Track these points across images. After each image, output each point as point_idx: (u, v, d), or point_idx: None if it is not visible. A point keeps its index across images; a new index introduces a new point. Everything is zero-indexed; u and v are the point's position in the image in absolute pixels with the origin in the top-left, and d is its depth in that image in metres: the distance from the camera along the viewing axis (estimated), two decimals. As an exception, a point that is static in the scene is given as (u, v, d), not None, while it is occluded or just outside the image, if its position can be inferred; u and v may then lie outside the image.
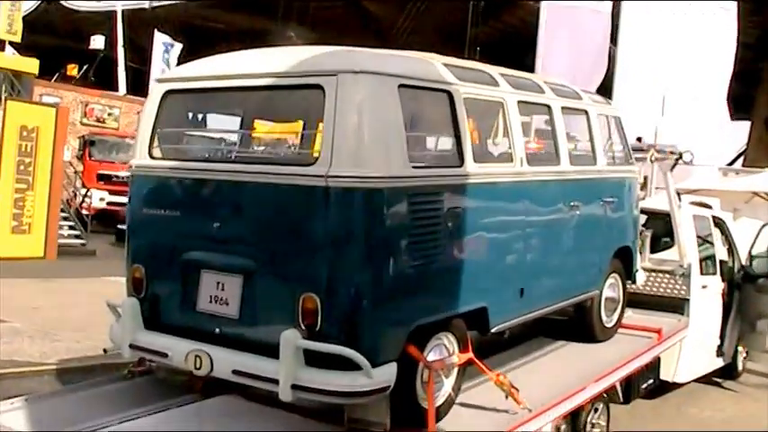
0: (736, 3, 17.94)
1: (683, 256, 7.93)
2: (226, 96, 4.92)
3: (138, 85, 32.48)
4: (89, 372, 7.45)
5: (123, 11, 34.17)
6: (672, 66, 17.81)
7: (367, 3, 34.91)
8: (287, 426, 4.54)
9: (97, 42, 34.05)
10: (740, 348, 9.61)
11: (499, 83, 5.22)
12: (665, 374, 7.91)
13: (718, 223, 9.21)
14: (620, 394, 6.68)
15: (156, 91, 4.93)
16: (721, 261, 8.93)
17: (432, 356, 4.53)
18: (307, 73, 4.27)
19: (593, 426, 6.03)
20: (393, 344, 4.21)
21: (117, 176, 21.93)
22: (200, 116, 5.28)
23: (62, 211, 17.44)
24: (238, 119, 5.33)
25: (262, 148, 5.45)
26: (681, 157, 7.87)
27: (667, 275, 7.97)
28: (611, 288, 6.72)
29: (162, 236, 4.78)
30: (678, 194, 8.30)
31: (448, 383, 4.72)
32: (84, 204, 20.30)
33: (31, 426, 4.64)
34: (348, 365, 3.99)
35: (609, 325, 6.76)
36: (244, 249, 4.41)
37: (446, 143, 4.95)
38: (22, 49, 19.62)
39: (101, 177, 22.13)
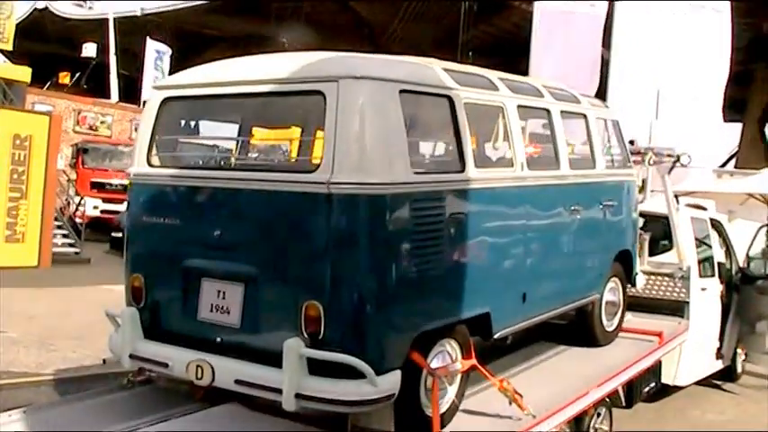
0: (729, 5, 17.99)
1: (682, 258, 7.93)
2: (225, 103, 4.89)
3: (131, 93, 32.44)
4: (87, 382, 7.38)
5: (115, 18, 34.11)
6: (665, 68, 17.85)
7: (359, 7, 34.91)
8: None
9: (89, 50, 34.01)
10: (739, 350, 9.61)
11: (499, 87, 5.20)
12: (666, 377, 7.90)
13: (716, 225, 9.22)
14: (623, 398, 6.66)
15: (154, 98, 4.90)
16: (719, 263, 8.93)
17: (435, 363, 4.49)
18: (307, 79, 4.24)
19: (596, 430, 6.00)
20: (397, 351, 4.18)
21: (110, 184, 21.89)
22: (199, 123, 5.24)
23: (56, 219, 17.36)
24: (237, 126, 5.29)
25: (262, 155, 5.41)
26: (678, 160, 7.86)
27: (666, 278, 7.96)
28: (612, 292, 6.70)
29: (161, 244, 4.73)
30: (676, 197, 8.29)
31: (451, 390, 4.68)
32: (77, 212, 20.22)
33: None
34: (352, 373, 3.95)
35: (610, 329, 6.74)
36: (245, 257, 4.37)
37: (447, 148, 4.93)
38: (13, 56, 19.55)
39: (94, 185, 22.05)
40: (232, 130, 5.36)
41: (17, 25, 19.41)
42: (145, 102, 25.72)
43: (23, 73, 18.06)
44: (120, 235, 18.55)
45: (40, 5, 37.70)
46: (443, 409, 4.56)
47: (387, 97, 4.14)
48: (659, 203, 8.15)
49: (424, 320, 4.33)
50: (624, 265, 6.85)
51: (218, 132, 5.55)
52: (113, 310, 4.95)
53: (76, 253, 17.85)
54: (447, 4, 31.11)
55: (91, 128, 27.33)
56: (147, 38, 30.73)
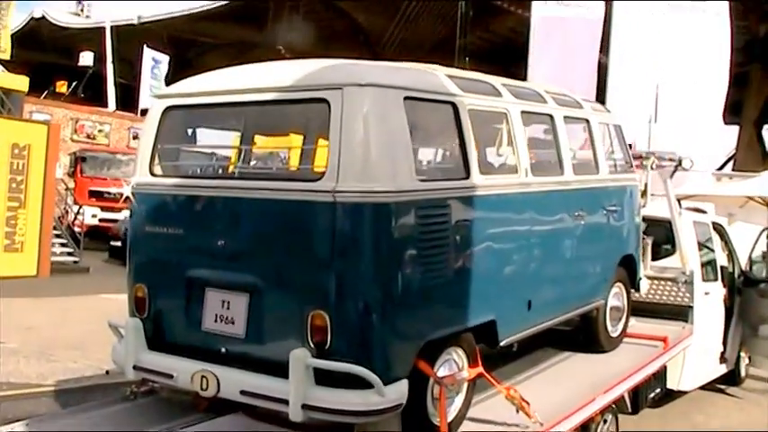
0: (728, 7, 18.03)
1: (685, 263, 7.89)
2: (227, 111, 4.86)
3: (128, 101, 32.47)
4: (88, 392, 7.35)
5: (112, 26, 34.12)
6: (663, 72, 17.88)
7: (356, 14, 34.96)
8: None
9: (86, 58, 34.02)
10: (743, 354, 9.58)
11: (502, 93, 5.18)
12: (670, 382, 7.86)
13: (718, 229, 9.19)
14: (629, 404, 6.62)
15: (156, 107, 4.86)
16: (722, 267, 8.90)
17: (442, 372, 4.46)
18: (311, 87, 4.21)
19: (602, 437, 5.96)
20: (404, 360, 4.15)
21: (109, 193, 21.82)
22: (201, 132, 5.21)
23: (54, 228, 17.31)
24: (240, 134, 5.26)
25: (266, 163, 5.38)
26: (680, 164, 7.84)
27: (670, 283, 7.93)
28: (616, 297, 6.68)
29: (165, 254, 4.70)
30: (678, 201, 8.27)
31: (458, 399, 4.65)
32: (76, 221, 20.16)
33: None
34: (359, 383, 3.92)
35: (614, 334, 6.72)
36: (249, 267, 4.34)
37: (452, 155, 4.90)
38: (11, 65, 19.52)
39: (93, 194, 22.00)
40: (235, 138, 5.32)
41: (14, 34, 19.41)
42: (142, 110, 25.80)
43: (21, 82, 18.02)
44: (118, 244, 18.54)
45: (37, 14, 37.74)
46: (450, 417, 4.53)
47: (391, 104, 4.11)
48: (661, 207, 8.13)
49: (431, 329, 4.30)
50: (628, 270, 6.83)
51: (221, 141, 5.51)
52: (116, 321, 4.91)
53: (75, 262, 17.80)
54: (443, 10, 31.18)
55: (89, 136, 27.29)
56: (144, 46, 30.70)
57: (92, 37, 35.78)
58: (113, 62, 32.96)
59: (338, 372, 3.94)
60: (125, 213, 19.47)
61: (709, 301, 8.35)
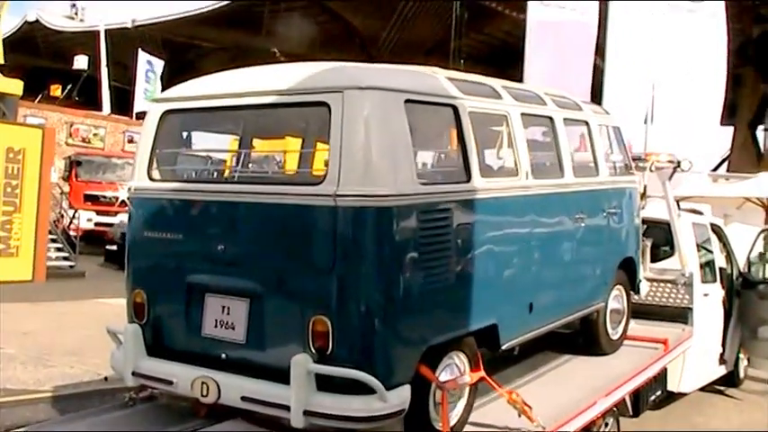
0: (724, 9, 18.07)
1: (685, 264, 7.88)
2: (226, 115, 4.83)
3: (123, 105, 32.41)
4: (86, 398, 7.30)
5: (106, 30, 34.05)
6: (659, 73, 17.91)
7: (351, 17, 34.96)
8: None
9: (80, 62, 33.96)
10: (742, 355, 9.57)
11: (502, 96, 5.15)
12: (670, 384, 7.84)
13: (716, 230, 9.18)
14: (630, 407, 6.59)
15: (154, 111, 4.82)
16: (720, 268, 8.89)
17: (444, 376, 4.42)
18: (311, 90, 4.17)
19: (604, 441, 5.94)
20: (406, 365, 4.11)
21: (104, 197, 21.78)
22: (200, 136, 5.17)
23: (50, 232, 17.23)
24: (239, 138, 5.22)
25: (265, 167, 5.34)
26: (679, 166, 7.83)
27: (669, 285, 7.91)
28: (616, 300, 6.65)
29: (164, 259, 4.65)
30: (677, 203, 8.26)
31: (460, 403, 4.62)
32: (71, 226, 20.09)
33: None
34: (361, 389, 3.89)
35: (615, 337, 6.69)
36: (249, 272, 4.30)
37: (453, 158, 4.87)
38: (4, 69, 19.44)
39: (88, 198, 21.93)
40: (234, 142, 5.29)
41: (8, 38, 19.33)
42: (137, 113, 25.68)
43: (15, 86, 17.93)
44: (114, 248, 18.48)
45: (31, 18, 37.67)
46: (452, 422, 4.49)
47: (392, 107, 4.08)
48: (659, 209, 8.11)
49: (434, 333, 4.27)
50: (628, 273, 6.80)
51: (220, 145, 5.48)
52: (115, 327, 4.87)
53: (71, 266, 17.73)
54: (438, 13, 31.21)
55: (83, 140, 27.24)
56: (139, 49, 30.64)
57: (86, 40, 35.73)
58: (108, 65, 32.87)
59: (340, 377, 3.91)
60: (121, 217, 19.46)
61: (709, 302, 8.35)
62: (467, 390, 4.66)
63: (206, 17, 35.04)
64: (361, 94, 3.98)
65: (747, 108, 30.34)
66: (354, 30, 36.02)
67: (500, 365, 5.65)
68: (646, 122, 18.01)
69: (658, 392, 7.50)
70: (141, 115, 25.57)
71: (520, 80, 17.88)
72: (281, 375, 4.00)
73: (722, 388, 9.40)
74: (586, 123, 6.19)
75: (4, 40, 18.59)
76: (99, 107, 32.24)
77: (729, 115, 25.61)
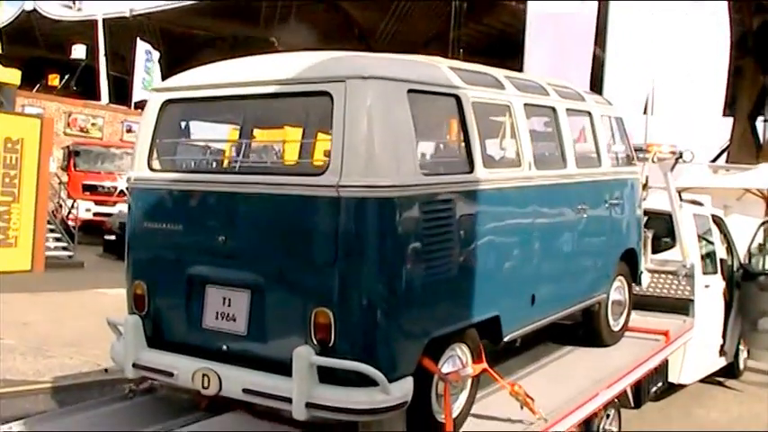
0: (726, 1, 18.01)
1: (686, 256, 7.86)
2: (227, 105, 4.78)
3: (121, 94, 32.30)
4: (85, 389, 7.29)
5: (104, 19, 33.90)
6: (660, 64, 17.86)
7: (349, 7, 34.82)
8: None
9: (78, 51, 33.84)
10: (741, 347, 9.56)
11: (505, 86, 5.11)
12: (671, 376, 7.83)
13: (717, 221, 9.16)
14: (631, 399, 6.58)
15: (154, 101, 4.77)
16: (721, 259, 8.88)
17: (446, 368, 4.40)
18: (313, 79, 4.13)
19: (605, 432, 5.93)
20: (409, 357, 4.09)
21: (103, 186, 21.72)
22: (201, 126, 5.13)
23: (48, 223, 17.18)
24: (240, 128, 5.18)
25: (267, 157, 5.31)
26: (681, 157, 7.80)
27: (670, 276, 7.90)
28: (618, 291, 6.64)
29: (164, 251, 4.61)
30: (679, 194, 8.23)
31: (463, 395, 4.60)
32: (70, 216, 20.04)
33: None
34: (363, 381, 3.86)
35: (616, 329, 6.68)
36: (250, 263, 4.26)
37: (455, 149, 4.83)
38: (2, 59, 19.36)
39: (86, 188, 21.84)
40: (235, 132, 5.24)
41: (5, 28, 19.24)
42: (136, 103, 25.55)
43: (13, 75, 17.84)
44: (113, 238, 18.44)
45: (28, 7, 37.50)
46: (455, 414, 4.47)
47: (395, 97, 4.04)
48: (660, 200, 8.09)
49: (436, 325, 4.24)
50: (629, 264, 6.78)
51: (221, 135, 5.43)
52: (115, 319, 4.83)
53: (70, 257, 17.68)
54: (437, 4, 31.08)
55: (82, 130, 27.12)
56: (138, 39, 30.51)
57: (83, 30, 35.56)
58: (106, 55, 32.75)
59: (342, 370, 3.88)
60: (119, 207, 19.42)
61: (709, 294, 8.33)
62: (469, 382, 4.64)
63: (204, 8, 34.87)
64: (363, 83, 3.93)
65: (747, 99, 30.28)
66: (353, 20, 35.88)
67: (501, 357, 5.64)
68: (645, 113, 17.95)
69: (659, 384, 7.49)
70: (140, 105, 25.52)
71: (519, 71, 17.82)
72: (282, 367, 3.97)
73: (722, 379, 9.40)
74: (589, 114, 6.15)
75: (1, 29, 18.51)
76: (97, 97, 32.15)
77: (730, 106, 25.57)
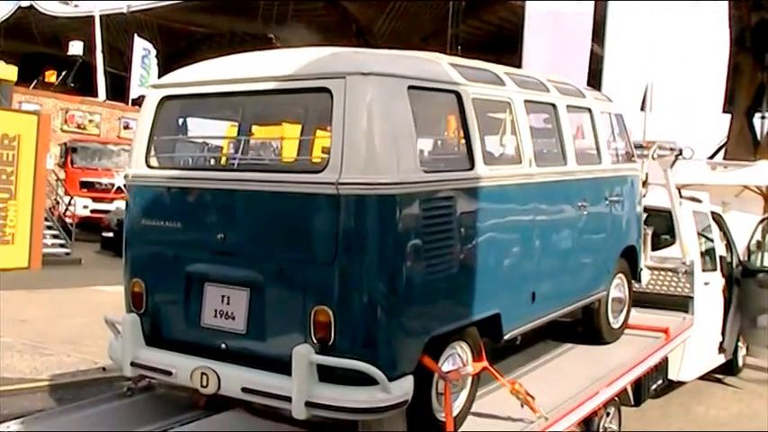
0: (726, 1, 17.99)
1: (686, 253, 7.85)
2: (226, 102, 4.74)
3: (118, 91, 32.21)
4: (83, 387, 7.26)
5: (101, 16, 33.80)
6: (657, 60, 17.82)
7: (347, 4, 34.74)
8: None
9: (75, 48, 33.76)
10: (740, 344, 9.55)
11: (505, 82, 5.07)
12: (670, 373, 7.82)
13: (716, 218, 9.15)
14: (631, 396, 6.57)
15: (151, 97, 4.73)
16: (720, 257, 8.86)
17: (446, 367, 4.38)
18: (313, 76, 4.09)
19: (605, 430, 5.90)
20: (409, 356, 4.06)
21: (100, 183, 21.68)
22: (199, 123, 5.09)
23: (45, 220, 17.15)
24: (238, 125, 5.14)
25: (266, 154, 5.27)
26: (681, 154, 7.77)
27: (670, 273, 7.88)
28: (618, 288, 6.62)
29: (162, 248, 4.58)
30: (679, 191, 8.21)
31: (463, 394, 4.57)
32: (67, 212, 19.99)
33: None
34: (363, 380, 3.83)
35: (616, 326, 6.66)
36: (249, 261, 4.23)
37: (455, 145, 4.80)
38: (-1, 56, 19.34)
39: (84, 185, 21.82)
40: (233, 129, 5.20)
41: (2, 24, 19.16)
42: (133, 99, 25.47)
43: (10, 72, 17.82)
44: (110, 235, 18.40)
45: (25, 4, 37.39)
46: (455, 413, 4.45)
47: (395, 94, 4.01)
48: (659, 197, 8.07)
49: (436, 323, 4.21)
50: (629, 261, 6.76)
51: (219, 132, 5.40)
52: (113, 317, 4.80)
53: (67, 254, 17.64)
54: (434, 0, 31.03)
55: (79, 126, 27.04)
56: (135, 35, 30.43)
57: (81, 26, 35.47)
58: (103, 51, 32.63)
59: (342, 368, 3.85)
60: (117, 204, 19.37)
61: (709, 291, 8.32)
62: (469, 380, 4.61)
63: (202, 5, 34.80)
64: (363, 79, 3.90)
65: (744, 95, 30.26)
66: (351, 17, 35.80)
67: (501, 355, 5.61)
68: (643, 110, 17.93)
69: (659, 381, 7.48)
70: (137, 101, 25.45)
71: (518, 67, 17.79)
72: (281, 366, 3.94)
73: (721, 377, 9.40)
74: (589, 110, 6.13)
75: (-2, 25, 18.45)
76: (94, 93, 32.03)
77: (728, 103, 25.56)
